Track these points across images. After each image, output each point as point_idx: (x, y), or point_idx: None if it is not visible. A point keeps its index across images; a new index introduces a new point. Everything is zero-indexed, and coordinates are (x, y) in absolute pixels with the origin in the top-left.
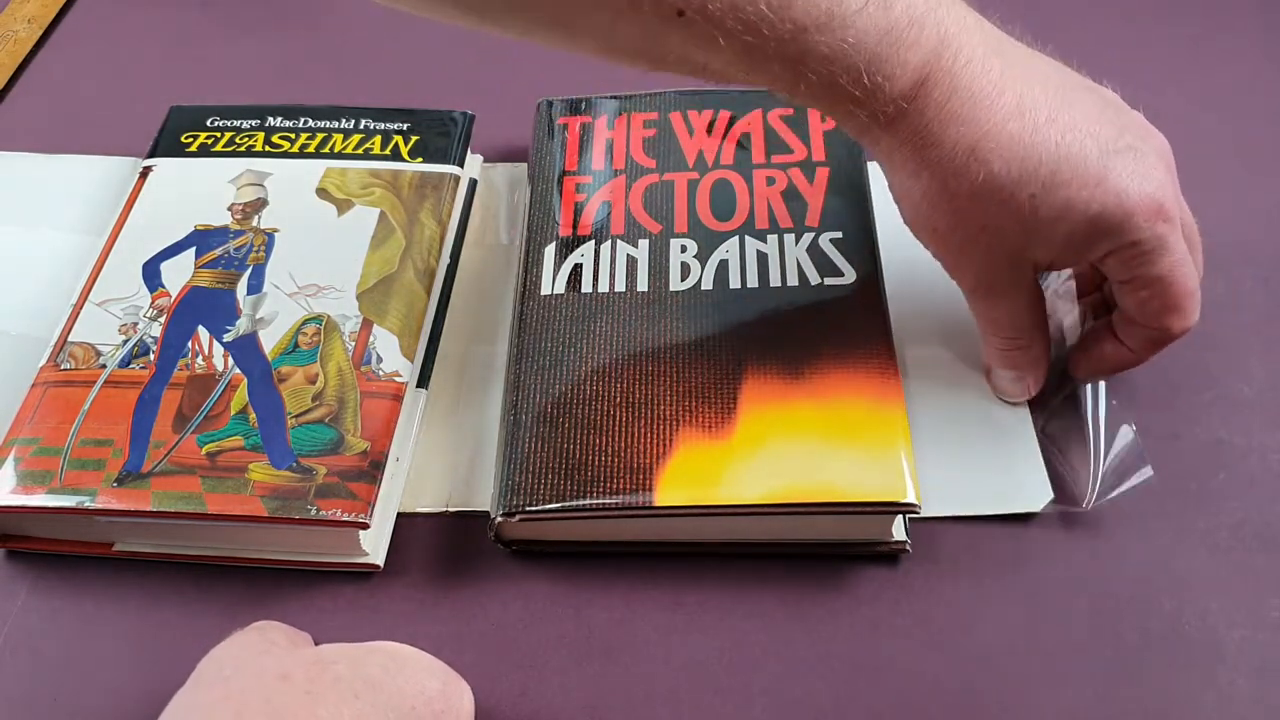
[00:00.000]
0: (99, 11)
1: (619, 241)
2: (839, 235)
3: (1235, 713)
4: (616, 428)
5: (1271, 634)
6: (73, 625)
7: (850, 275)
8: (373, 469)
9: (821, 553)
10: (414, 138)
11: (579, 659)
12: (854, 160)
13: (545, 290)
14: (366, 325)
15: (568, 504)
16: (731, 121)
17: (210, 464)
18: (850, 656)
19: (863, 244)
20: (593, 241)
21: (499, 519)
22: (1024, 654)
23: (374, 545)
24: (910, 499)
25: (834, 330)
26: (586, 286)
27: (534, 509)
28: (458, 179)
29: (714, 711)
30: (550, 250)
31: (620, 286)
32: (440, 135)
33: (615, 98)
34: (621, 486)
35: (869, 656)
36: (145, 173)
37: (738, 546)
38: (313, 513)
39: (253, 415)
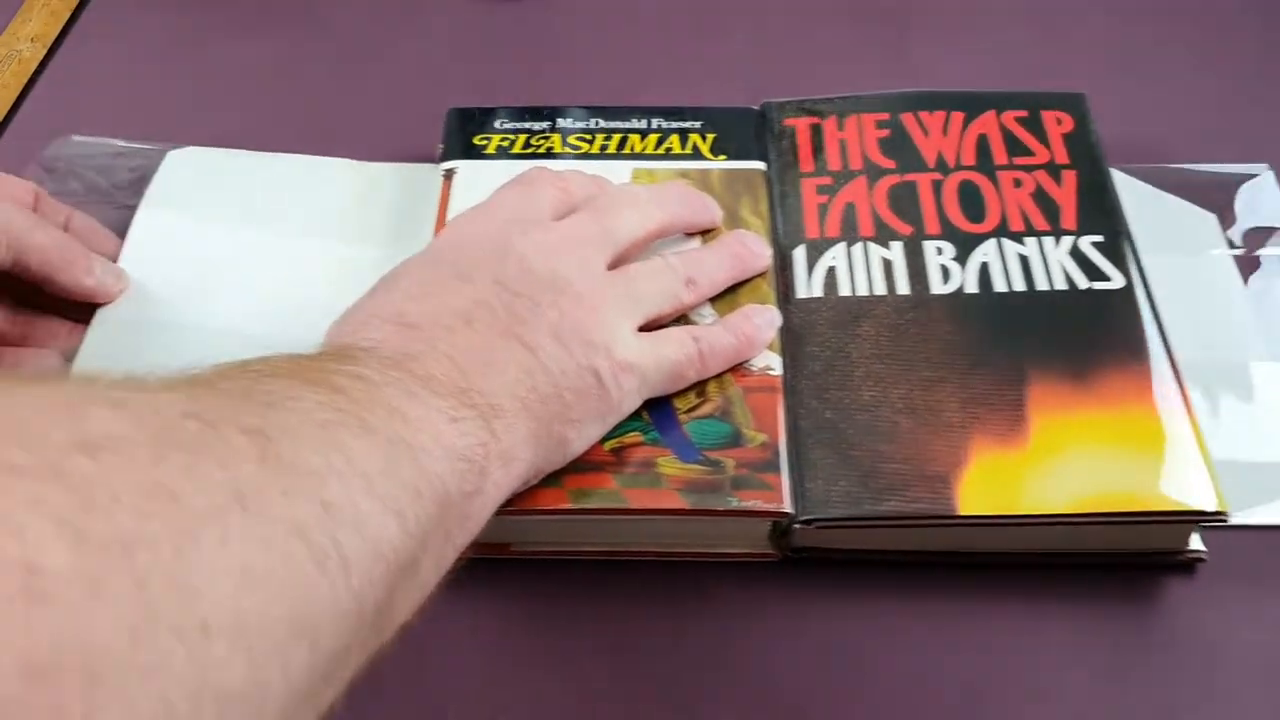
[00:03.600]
0: (106, 24)
1: (870, 243)
2: (1099, 239)
3: (1235, 713)
4: (903, 435)
5: (1272, 634)
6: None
7: (1118, 279)
8: (775, 459)
9: (1108, 562)
10: (710, 135)
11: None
12: (1097, 164)
13: (802, 294)
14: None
15: (866, 512)
16: (966, 123)
17: (617, 460)
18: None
19: (1124, 247)
20: (843, 243)
21: (796, 527)
22: None
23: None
24: (1218, 508)
25: (1111, 334)
26: (844, 289)
27: (831, 517)
28: (765, 174)
29: None
30: (800, 253)
31: (880, 289)
32: (738, 132)
33: (840, 99)
34: (920, 495)
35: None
36: (449, 175)
37: (1021, 557)
38: (733, 504)
39: (644, 412)
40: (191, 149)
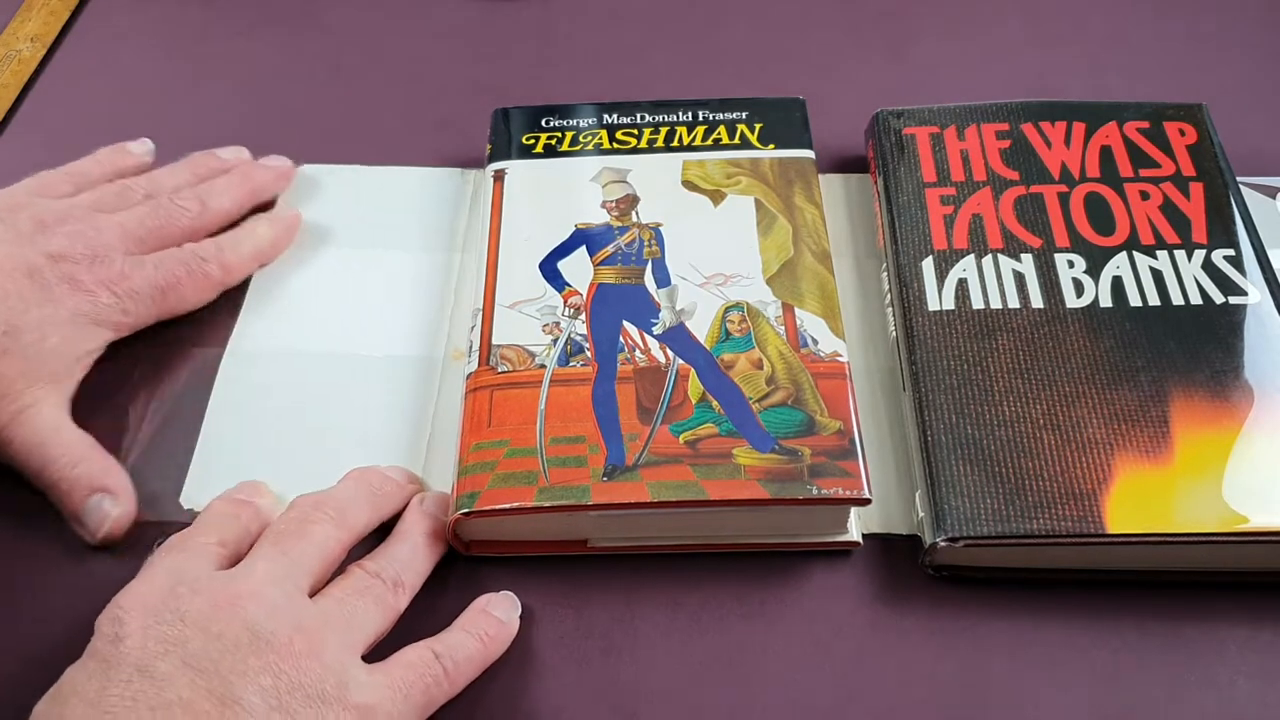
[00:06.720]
0: (105, 24)
1: (1000, 256)
2: (1231, 252)
3: (1235, 713)
4: (1047, 451)
5: (1272, 634)
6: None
7: (1255, 294)
8: (852, 446)
9: (1255, 581)
10: (758, 124)
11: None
12: (1224, 176)
13: (933, 305)
14: (788, 309)
15: (1015, 530)
16: (1088, 133)
17: (693, 452)
18: None
19: (1259, 261)
20: (972, 255)
21: (942, 544)
22: None
23: (852, 523)
24: None
25: (1254, 351)
26: (977, 302)
27: (981, 535)
28: (814, 161)
29: None
30: (928, 264)
31: (1013, 303)
32: (784, 120)
33: (958, 108)
34: (1068, 512)
35: None
36: (499, 176)
37: (1166, 575)
38: (814, 492)
39: (715, 402)
40: (307, 166)
